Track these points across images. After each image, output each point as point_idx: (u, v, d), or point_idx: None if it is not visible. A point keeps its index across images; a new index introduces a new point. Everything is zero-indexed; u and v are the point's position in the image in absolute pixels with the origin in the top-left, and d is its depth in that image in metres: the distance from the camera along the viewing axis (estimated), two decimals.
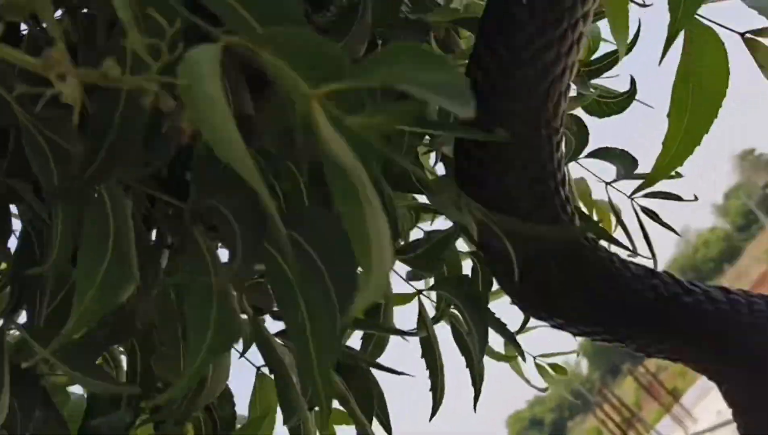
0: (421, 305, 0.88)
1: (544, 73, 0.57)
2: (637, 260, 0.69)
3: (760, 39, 0.65)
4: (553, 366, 1.10)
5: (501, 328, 0.88)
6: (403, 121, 0.33)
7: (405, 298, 0.91)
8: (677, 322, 0.61)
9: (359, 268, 0.28)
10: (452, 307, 0.87)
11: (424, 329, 0.84)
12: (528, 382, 1.07)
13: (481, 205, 0.56)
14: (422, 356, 0.87)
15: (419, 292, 0.87)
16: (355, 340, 0.88)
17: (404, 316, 0.95)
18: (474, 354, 0.83)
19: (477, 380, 0.85)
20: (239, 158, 0.23)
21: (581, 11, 0.56)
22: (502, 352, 1.08)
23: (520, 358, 1.03)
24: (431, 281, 0.93)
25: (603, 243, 0.67)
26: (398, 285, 0.95)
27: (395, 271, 0.87)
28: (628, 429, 15.26)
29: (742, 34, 0.65)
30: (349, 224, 0.25)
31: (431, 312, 0.91)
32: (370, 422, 0.75)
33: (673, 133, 0.63)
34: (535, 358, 1.09)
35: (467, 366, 0.87)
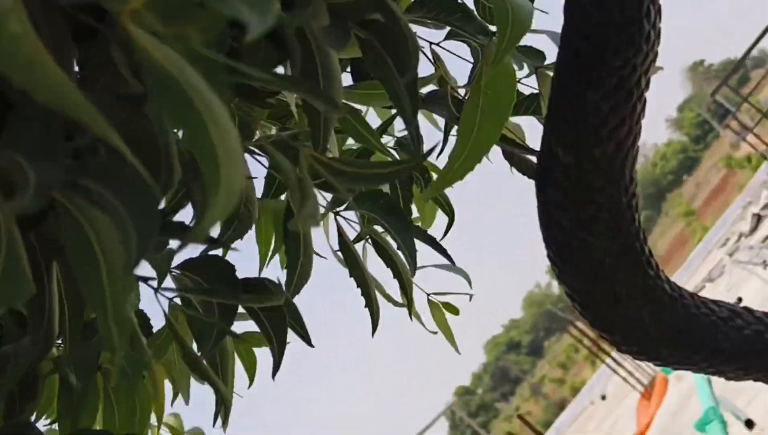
0: (339, 226, 0.86)
1: (619, 147, 0.60)
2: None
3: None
4: (446, 305, 1.07)
5: (424, 236, 0.86)
6: (207, 33, 0.29)
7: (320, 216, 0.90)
8: (760, 358, 0.64)
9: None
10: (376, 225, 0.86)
11: (347, 249, 0.82)
12: (423, 324, 1.04)
13: (575, 275, 0.60)
14: (350, 275, 0.85)
15: (335, 212, 0.85)
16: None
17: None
18: (402, 264, 0.81)
19: (408, 292, 0.83)
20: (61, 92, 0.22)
21: (644, 82, 0.59)
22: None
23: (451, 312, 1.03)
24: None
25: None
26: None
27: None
28: (603, 341, 15.61)
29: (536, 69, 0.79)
30: (191, 140, 0.25)
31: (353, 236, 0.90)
32: (284, 336, 0.75)
33: (462, 145, 0.68)
34: (428, 295, 1.07)
35: (395, 277, 0.84)
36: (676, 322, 0.64)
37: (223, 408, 0.78)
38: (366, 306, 0.87)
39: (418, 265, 0.97)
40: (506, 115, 0.69)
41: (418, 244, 0.89)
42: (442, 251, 0.94)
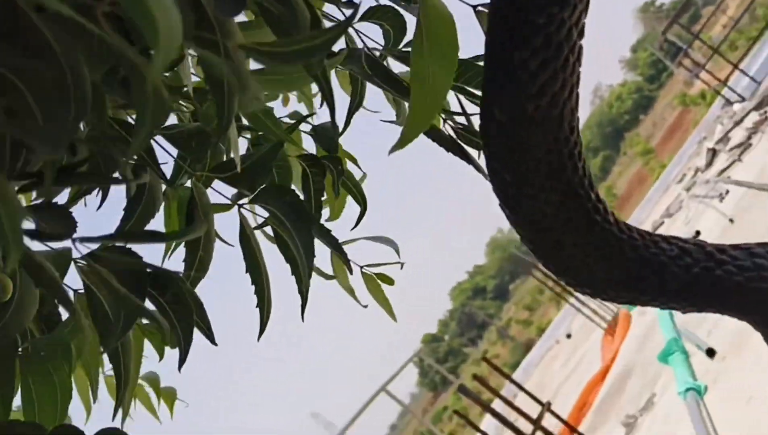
0: (242, 217, 0.85)
1: (554, 101, 0.61)
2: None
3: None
4: (380, 275, 1.08)
5: (327, 237, 0.87)
6: None
7: (223, 207, 0.88)
8: (709, 295, 0.64)
9: None
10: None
11: (246, 242, 0.82)
12: (356, 299, 1.06)
13: (522, 223, 0.61)
14: (246, 271, 0.84)
15: (239, 204, 0.85)
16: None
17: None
18: (300, 263, 0.81)
19: (304, 291, 0.83)
20: None
21: (576, 34, 0.59)
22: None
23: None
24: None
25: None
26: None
27: (216, 190, 0.87)
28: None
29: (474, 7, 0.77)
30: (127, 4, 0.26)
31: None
32: (191, 332, 0.75)
33: (417, 98, 0.67)
34: (362, 268, 1.07)
35: (293, 273, 0.84)
36: (624, 265, 0.65)
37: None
38: (257, 306, 0.86)
39: (350, 238, 0.98)
40: (454, 59, 0.69)
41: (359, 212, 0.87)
42: (339, 250, 0.94)
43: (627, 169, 57.94)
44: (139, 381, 1.20)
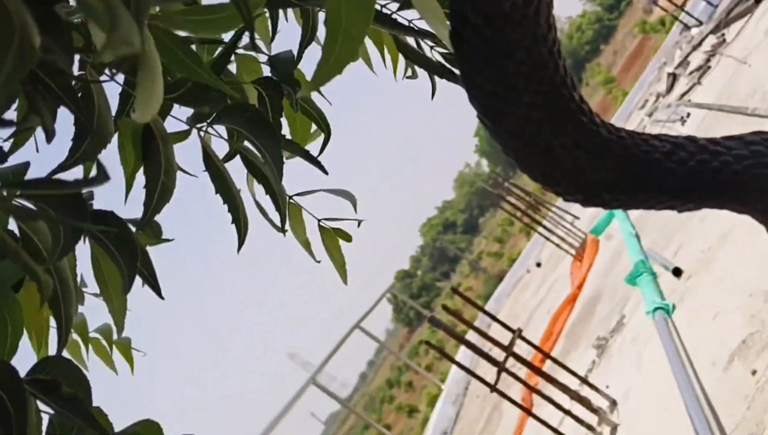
0: (204, 142, 0.83)
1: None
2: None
3: None
4: (337, 231, 1.07)
5: (293, 146, 0.85)
6: None
7: (181, 136, 0.85)
8: (709, 188, 0.60)
9: None
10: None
11: (211, 164, 0.78)
12: (311, 253, 1.04)
13: (504, 132, 0.58)
14: (216, 192, 0.82)
15: (198, 127, 0.82)
16: None
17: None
18: (272, 178, 0.79)
19: (281, 205, 0.81)
20: None
21: None
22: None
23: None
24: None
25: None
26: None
27: (172, 115, 0.83)
28: (535, 212, 16.02)
29: None
30: None
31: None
32: (134, 272, 0.74)
33: (330, 42, 0.64)
34: (319, 221, 1.06)
35: (267, 193, 0.83)
36: (616, 165, 0.61)
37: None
38: (233, 222, 0.85)
39: (308, 190, 0.96)
40: (370, 6, 0.64)
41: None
42: (316, 163, 0.95)
43: (590, 98, 57.62)
44: (94, 334, 1.20)
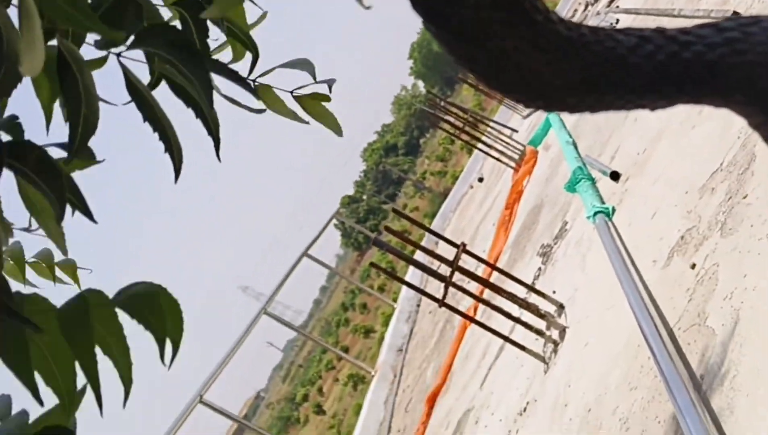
0: (124, 68, 0.77)
1: None
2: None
3: None
4: (313, 95, 1.04)
5: (223, 69, 0.80)
6: None
7: (98, 63, 0.81)
8: (680, 82, 0.55)
9: None
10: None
11: (135, 91, 0.73)
12: (300, 120, 1.01)
13: (455, 39, 0.52)
14: (144, 120, 0.78)
15: (117, 54, 0.77)
16: None
17: None
18: (201, 102, 0.74)
19: (213, 128, 0.77)
20: None
21: None
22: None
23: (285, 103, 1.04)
24: None
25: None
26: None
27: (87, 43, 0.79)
28: (473, 129, 16.06)
29: None
30: None
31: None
32: (63, 198, 0.71)
33: None
34: (292, 93, 1.03)
35: (197, 117, 0.79)
36: (578, 66, 0.56)
37: None
38: (165, 151, 0.81)
39: (266, 68, 0.94)
40: None
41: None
42: (244, 84, 0.90)
43: None
44: (34, 259, 1.24)
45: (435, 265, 7.64)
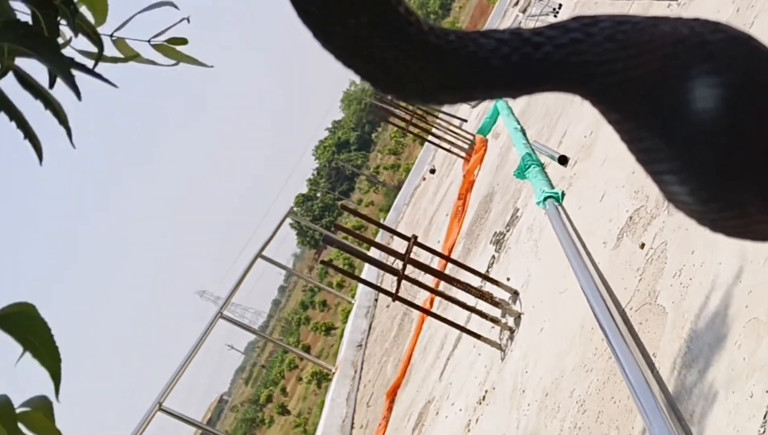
0: None
1: None
2: None
3: None
4: (170, 40, 1.01)
5: (76, 65, 0.75)
6: None
7: None
8: (535, 78, 0.61)
9: None
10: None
11: None
12: (155, 63, 0.95)
13: (342, 53, 0.57)
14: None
15: None
16: None
17: None
18: (50, 98, 0.70)
19: (62, 117, 0.72)
20: None
21: None
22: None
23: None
24: None
25: None
26: None
27: None
28: (423, 121, 16.05)
29: None
30: None
31: None
32: None
33: None
34: (149, 41, 0.99)
35: (46, 107, 0.74)
36: (447, 69, 0.64)
37: None
38: (26, 138, 0.78)
39: (128, 16, 0.89)
40: None
41: None
42: (100, 77, 0.85)
43: (467, 2, 57.94)
44: None
45: (390, 260, 7.60)
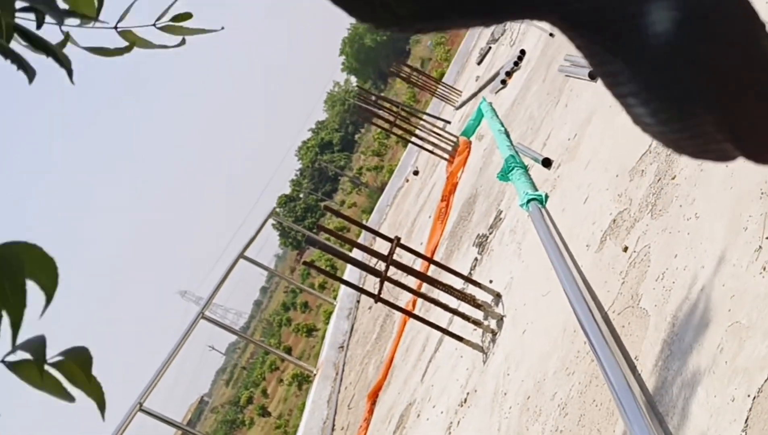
0: None
1: None
2: None
3: None
4: (175, 17, 0.96)
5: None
6: None
7: None
8: (504, 7, 0.54)
9: None
10: None
11: None
12: (165, 46, 0.93)
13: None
14: None
15: None
16: None
17: None
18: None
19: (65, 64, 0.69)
20: None
21: None
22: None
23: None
24: None
25: None
26: None
27: None
28: (406, 122, 16.03)
29: None
30: None
31: None
32: None
33: None
34: (154, 24, 0.96)
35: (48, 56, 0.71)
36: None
37: None
38: (18, 69, 0.74)
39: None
40: None
41: None
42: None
43: None
44: None
45: (372, 261, 7.56)
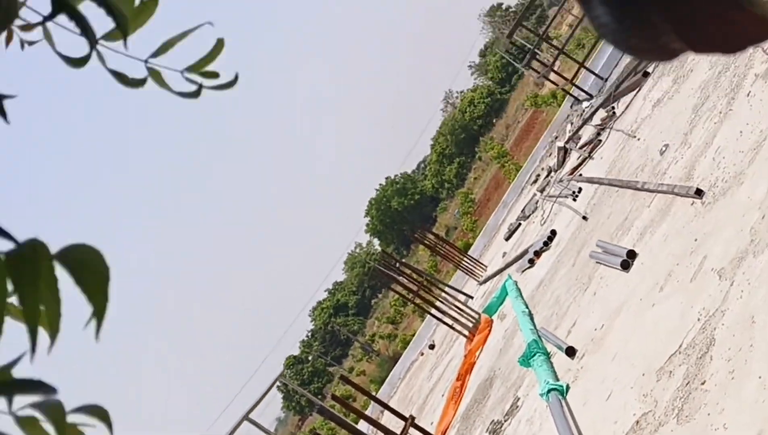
0: None
1: None
2: None
3: None
4: (204, 74, 0.96)
5: None
6: None
7: None
8: None
9: None
10: None
11: None
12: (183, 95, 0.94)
13: None
14: None
15: None
16: None
17: None
18: None
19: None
20: None
21: None
22: None
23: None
24: None
25: None
26: None
27: None
28: (427, 292, 15.93)
29: None
30: None
31: None
32: None
33: None
34: (182, 72, 0.96)
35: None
36: None
37: None
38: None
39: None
40: None
41: None
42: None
43: (483, 173, 59.31)
44: None
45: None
